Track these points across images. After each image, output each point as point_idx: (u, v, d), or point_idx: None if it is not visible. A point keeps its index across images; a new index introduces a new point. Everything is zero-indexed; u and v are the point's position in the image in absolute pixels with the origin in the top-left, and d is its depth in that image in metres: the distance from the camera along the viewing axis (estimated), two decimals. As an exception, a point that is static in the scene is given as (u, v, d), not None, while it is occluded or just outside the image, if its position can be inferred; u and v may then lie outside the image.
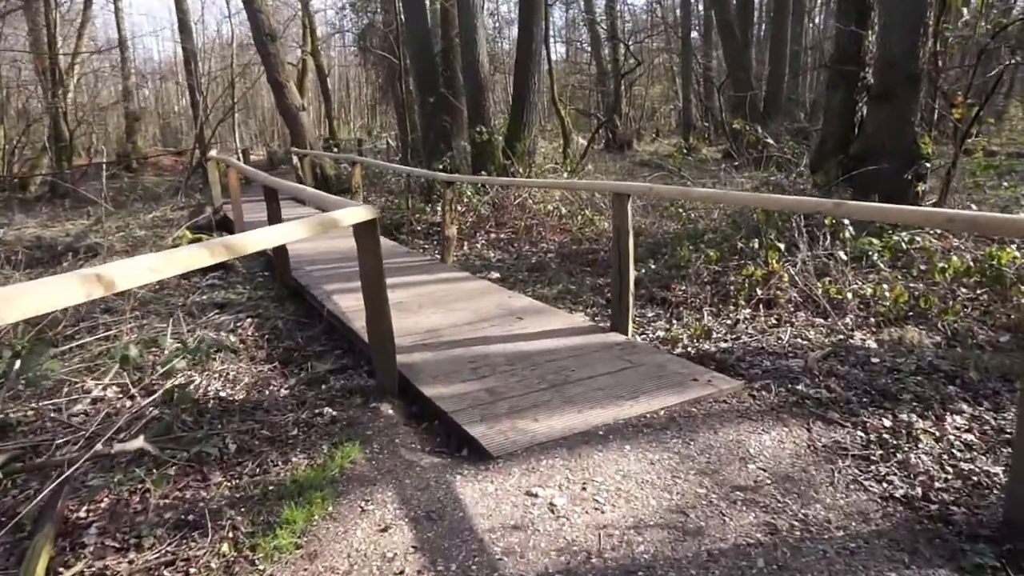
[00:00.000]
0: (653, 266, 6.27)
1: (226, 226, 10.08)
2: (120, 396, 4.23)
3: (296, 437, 3.36)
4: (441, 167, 10.09)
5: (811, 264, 5.51)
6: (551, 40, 27.48)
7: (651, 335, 4.87)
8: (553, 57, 21.20)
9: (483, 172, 10.00)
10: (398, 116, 15.35)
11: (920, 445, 2.94)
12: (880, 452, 2.90)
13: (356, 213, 3.42)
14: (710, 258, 5.83)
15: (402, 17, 11.75)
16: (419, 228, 9.63)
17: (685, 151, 10.19)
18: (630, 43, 19.92)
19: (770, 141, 8.75)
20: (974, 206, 6.89)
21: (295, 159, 14.19)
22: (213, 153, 11.83)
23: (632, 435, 3.05)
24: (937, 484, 2.64)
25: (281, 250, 6.45)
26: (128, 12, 54.41)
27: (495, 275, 7.13)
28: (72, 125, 19.78)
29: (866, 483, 2.66)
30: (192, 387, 4.22)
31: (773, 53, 18.98)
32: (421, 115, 11.65)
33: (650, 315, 5.32)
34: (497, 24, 26.23)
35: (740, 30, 17.73)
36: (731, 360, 4.06)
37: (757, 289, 5.33)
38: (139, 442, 3.00)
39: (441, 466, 2.97)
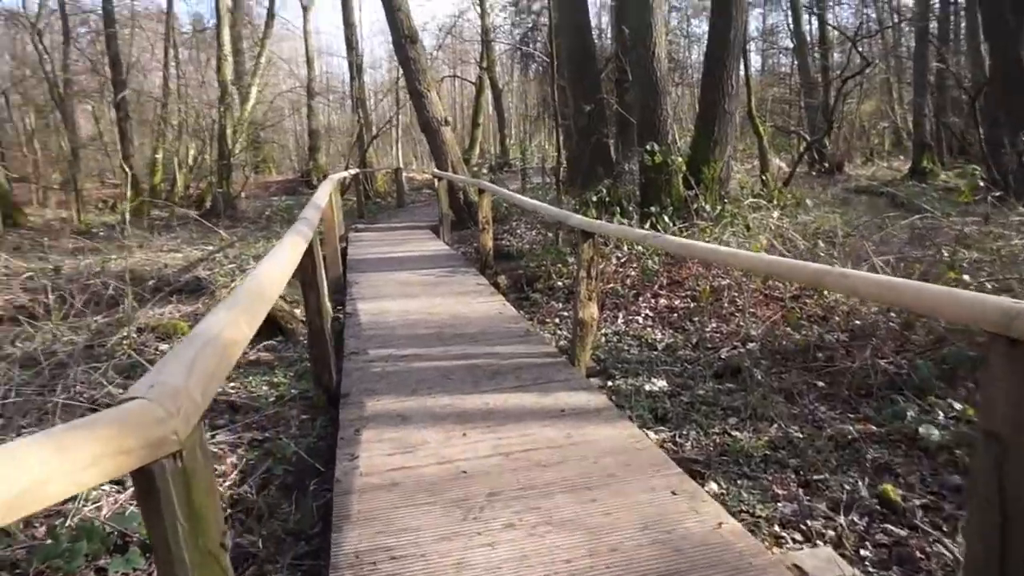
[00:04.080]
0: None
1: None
2: None
3: None
4: (596, 199, 7.46)
5: None
6: (747, 46, 23.90)
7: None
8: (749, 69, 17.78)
9: (654, 208, 7.19)
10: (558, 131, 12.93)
11: None
12: None
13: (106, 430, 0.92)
14: None
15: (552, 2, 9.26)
16: (560, 284, 6.97)
17: (925, 177, 6.67)
18: (855, 41, 15.98)
19: None
20: None
21: (436, 183, 12.26)
22: (334, 176, 10.12)
23: None
24: None
25: (317, 329, 4.07)
26: (318, 31, 57.53)
27: (660, 384, 4.38)
28: (235, 143, 19.49)
29: None
30: None
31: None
32: (576, 128, 9.08)
33: None
34: (680, 21, 23.08)
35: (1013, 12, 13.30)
36: None
37: None
38: None
39: None
